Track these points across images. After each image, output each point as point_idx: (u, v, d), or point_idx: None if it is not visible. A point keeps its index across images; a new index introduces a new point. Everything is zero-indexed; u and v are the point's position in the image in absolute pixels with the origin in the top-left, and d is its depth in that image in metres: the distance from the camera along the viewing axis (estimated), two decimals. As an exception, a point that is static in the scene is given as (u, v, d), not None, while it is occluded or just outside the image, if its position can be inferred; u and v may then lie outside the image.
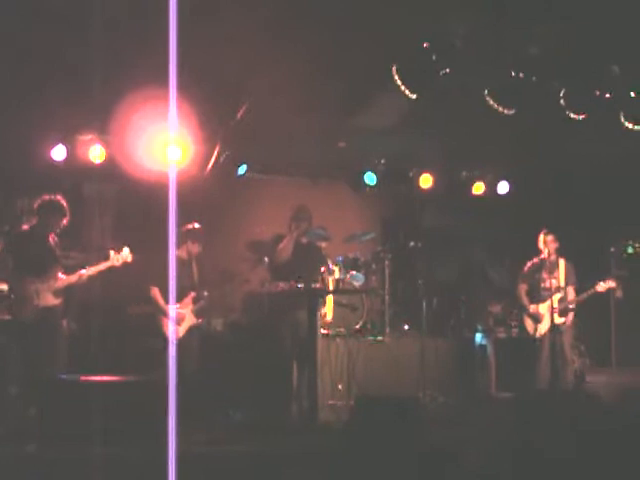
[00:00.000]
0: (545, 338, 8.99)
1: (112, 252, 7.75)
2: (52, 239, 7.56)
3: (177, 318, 8.04)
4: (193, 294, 8.21)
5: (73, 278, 7.56)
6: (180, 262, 8.11)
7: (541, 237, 9.06)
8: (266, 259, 9.44)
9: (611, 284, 8.94)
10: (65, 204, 7.52)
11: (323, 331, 8.41)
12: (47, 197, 7.51)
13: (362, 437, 6.19)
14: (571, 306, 8.97)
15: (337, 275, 9.34)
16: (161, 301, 8.02)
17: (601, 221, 10.56)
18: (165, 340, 7.92)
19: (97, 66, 7.21)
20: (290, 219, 8.35)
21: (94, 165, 9.26)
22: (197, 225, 8.30)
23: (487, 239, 11.28)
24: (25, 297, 7.33)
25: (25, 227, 7.67)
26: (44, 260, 7.48)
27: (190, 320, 8.16)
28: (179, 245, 8.17)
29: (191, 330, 8.15)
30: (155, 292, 8.07)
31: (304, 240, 8.41)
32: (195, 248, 8.28)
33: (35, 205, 7.56)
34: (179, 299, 8.06)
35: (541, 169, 10.90)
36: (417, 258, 10.07)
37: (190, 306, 8.18)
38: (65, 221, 7.54)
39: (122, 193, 9.88)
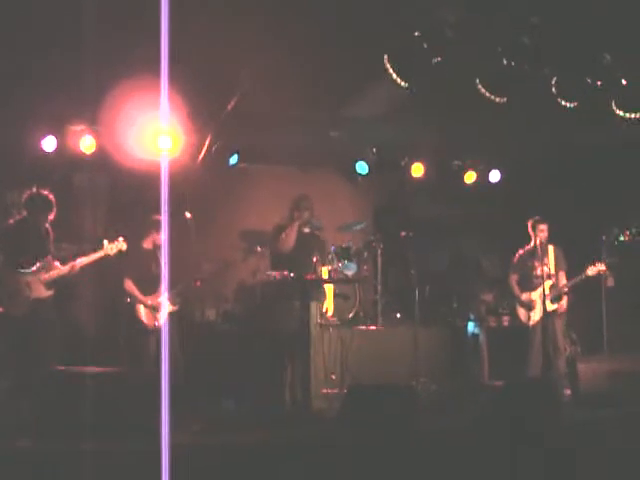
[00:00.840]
0: (537, 326, 9.02)
1: (106, 242, 7.74)
2: (43, 230, 7.53)
3: (154, 307, 8.08)
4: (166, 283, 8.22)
5: (65, 269, 7.55)
6: (146, 253, 8.21)
7: (530, 224, 9.07)
8: (259, 248, 9.45)
9: (601, 267, 8.96)
10: (52, 197, 7.50)
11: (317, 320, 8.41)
12: (35, 190, 7.48)
13: (355, 425, 6.22)
14: (565, 290, 8.98)
15: (329, 264, 9.36)
16: (136, 292, 8.07)
17: (592, 209, 10.57)
18: (146, 330, 8.00)
19: (88, 56, 7.17)
20: (292, 208, 8.30)
21: (85, 155, 9.23)
22: (159, 216, 8.23)
23: (479, 228, 11.29)
24: (16, 289, 7.32)
25: (15, 219, 7.65)
26: (34, 252, 7.46)
27: (167, 307, 8.12)
28: (144, 237, 8.21)
29: (170, 317, 8.11)
30: (129, 284, 8.10)
31: (305, 229, 8.39)
32: (159, 239, 8.21)
33: (23, 198, 7.53)
34: (153, 290, 8.08)
35: (532, 157, 10.91)
36: (409, 247, 10.06)
37: (165, 294, 8.15)
38: (53, 214, 7.52)
39: (113, 183, 9.86)
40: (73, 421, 6.00)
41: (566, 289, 9.00)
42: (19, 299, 7.30)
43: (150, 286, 8.05)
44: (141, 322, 8.04)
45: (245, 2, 7.10)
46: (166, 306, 8.12)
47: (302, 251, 8.22)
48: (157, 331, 7.98)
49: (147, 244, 8.28)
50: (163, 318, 8.07)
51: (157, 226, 8.17)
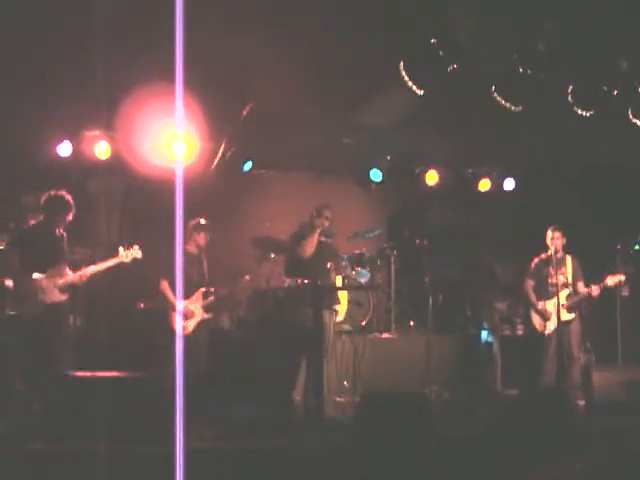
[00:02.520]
0: (552, 335, 8.97)
1: (121, 248, 7.75)
2: (58, 235, 7.56)
3: (186, 313, 8.03)
4: (203, 289, 8.21)
5: (80, 274, 7.56)
6: (189, 257, 8.13)
7: (548, 233, 9.04)
8: (272, 255, 9.44)
9: (621, 278, 8.92)
10: (71, 199, 7.52)
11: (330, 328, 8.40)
12: (53, 193, 7.51)
13: (368, 433, 6.19)
14: (586, 295, 8.92)
15: (343, 272, 9.35)
16: (170, 295, 8.01)
17: (608, 218, 10.52)
18: (173, 335, 7.87)
19: (103, 62, 7.19)
20: (313, 216, 8.23)
21: (100, 161, 9.26)
22: (202, 220, 8.28)
23: (493, 236, 11.26)
24: (31, 293, 7.33)
25: (31, 223, 7.68)
26: (50, 256, 7.48)
27: (199, 315, 8.12)
28: (187, 240, 8.18)
29: (200, 326, 8.12)
30: (164, 285, 8.06)
31: (322, 238, 8.38)
32: (203, 241, 8.25)
33: (41, 201, 7.56)
34: (189, 294, 8.05)
35: (547, 166, 10.87)
36: (423, 255, 10.04)
37: (200, 301, 8.15)
38: (71, 216, 7.54)
39: (128, 189, 9.89)
40: (85, 425, 6.01)
41: (588, 295, 8.93)
42: (33, 302, 7.32)
43: (186, 291, 7.95)
44: (169, 327, 7.96)
45: (261, 8, 7.11)
46: (198, 314, 8.12)
47: (317, 258, 8.21)
48: (184, 337, 7.90)
49: (190, 247, 8.23)
50: (193, 325, 8.06)
51: (200, 229, 8.20)
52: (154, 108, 7.73)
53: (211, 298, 8.22)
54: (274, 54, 7.55)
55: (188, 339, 7.81)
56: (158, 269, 7.96)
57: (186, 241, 8.15)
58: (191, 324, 8.07)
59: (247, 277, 8.83)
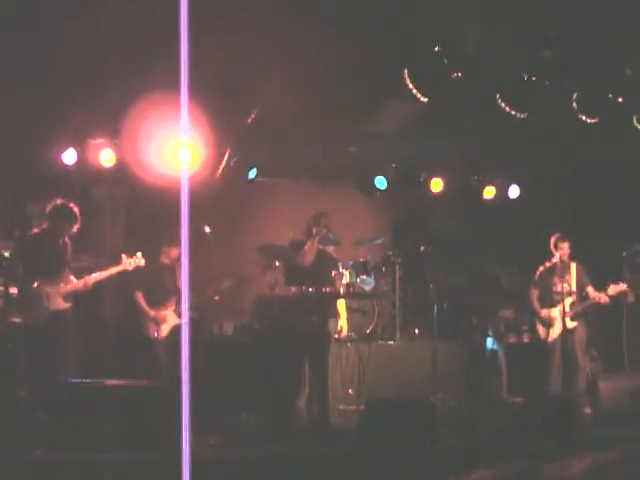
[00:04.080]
0: (557, 342, 8.95)
1: (124, 256, 7.76)
2: (63, 243, 7.55)
3: (158, 319, 8.30)
4: (175, 297, 8.39)
5: (83, 282, 7.56)
6: (162, 267, 8.45)
7: (553, 241, 9.02)
8: (277, 263, 9.43)
9: (622, 287, 8.89)
10: (77, 210, 7.52)
11: (334, 336, 8.38)
12: (59, 202, 7.50)
13: (373, 442, 6.16)
14: (594, 301, 8.90)
15: (347, 279, 9.33)
16: (144, 305, 8.29)
17: (613, 225, 10.49)
18: (150, 343, 8.24)
19: (108, 70, 7.20)
20: (311, 223, 8.25)
21: (104, 169, 9.27)
22: (174, 230, 8.27)
23: (498, 243, 11.24)
24: (35, 301, 7.33)
25: (36, 231, 7.67)
26: (54, 264, 7.49)
27: (172, 320, 8.33)
28: (160, 253, 8.48)
29: (174, 330, 8.24)
30: (139, 296, 8.33)
31: (320, 245, 8.37)
32: (173, 252, 8.40)
33: (47, 209, 7.55)
34: (162, 303, 8.34)
35: (552, 173, 10.86)
36: (427, 262, 10.03)
37: (172, 307, 8.37)
38: (76, 227, 7.54)
39: (132, 197, 9.89)
40: (89, 432, 5.99)
41: (593, 302, 8.91)
42: (37, 310, 7.32)
43: (159, 299, 8.33)
44: (146, 335, 8.27)
45: (265, 17, 7.11)
46: (172, 319, 8.32)
47: (319, 266, 8.19)
48: (160, 343, 8.22)
49: (163, 258, 8.50)
50: (167, 330, 8.29)
51: (170, 241, 8.33)
52: (158, 116, 7.73)
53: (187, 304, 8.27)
54: (279, 62, 7.56)
55: (163, 344, 8.21)
56: (135, 278, 8.17)
57: (159, 254, 8.48)
58: (165, 329, 8.30)
59: (227, 282, 9.31)
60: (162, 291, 8.37)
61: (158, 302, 8.34)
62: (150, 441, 5.96)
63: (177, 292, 8.31)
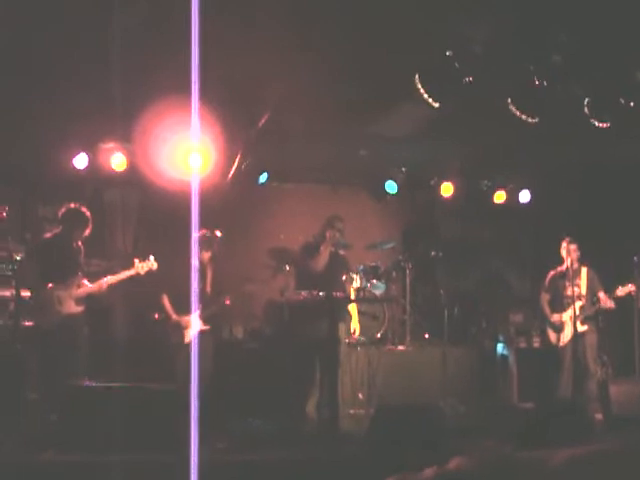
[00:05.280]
0: (567, 347, 8.92)
1: (137, 260, 7.77)
2: (75, 247, 7.59)
3: (182, 325, 8.07)
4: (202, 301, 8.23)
5: (96, 286, 7.59)
6: (190, 271, 8.18)
7: (563, 245, 9.00)
8: (287, 267, 9.44)
9: (631, 288, 8.87)
10: (89, 214, 7.55)
11: (345, 340, 8.38)
12: (72, 206, 7.54)
13: (383, 446, 6.16)
14: (604, 304, 8.88)
15: (358, 284, 9.33)
16: (169, 308, 8.12)
17: (624, 230, 10.46)
18: (174, 347, 8.00)
19: (119, 74, 7.23)
20: (324, 227, 8.24)
21: (116, 173, 9.30)
22: (207, 233, 8.26)
23: (509, 248, 11.22)
24: (47, 304, 7.37)
25: (48, 235, 7.71)
26: (66, 268, 7.52)
27: (197, 326, 8.10)
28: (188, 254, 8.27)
29: (199, 336, 8.06)
30: (164, 299, 8.16)
31: (333, 249, 8.36)
32: (206, 255, 8.27)
33: (59, 213, 7.60)
34: (188, 306, 8.11)
35: (563, 177, 10.83)
36: (438, 267, 10.02)
37: (197, 312, 8.15)
38: (88, 231, 7.57)
39: (143, 201, 9.92)
40: (100, 435, 6.01)
41: (604, 306, 8.89)
42: (50, 313, 7.35)
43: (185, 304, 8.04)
44: (169, 339, 8.10)
45: (276, 21, 7.12)
46: (197, 324, 8.12)
47: (330, 270, 8.19)
48: (186, 348, 7.94)
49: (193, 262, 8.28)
50: (190, 336, 8.07)
51: (203, 243, 8.19)
52: (170, 120, 7.76)
53: (212, 309, 8.20)
54: (290, 67, 7.57)
55: (185, 350, 7.82)
56: (162, 282, 8.09)
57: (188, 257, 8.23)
58: (188, 335, 8.06)
59: (248, 288, 9.01)
60: (188, 296, 7.98)
61: (183, 307, 7.99)
62: (161, 444, 5.98)
63: (203, 297, 8.20)
